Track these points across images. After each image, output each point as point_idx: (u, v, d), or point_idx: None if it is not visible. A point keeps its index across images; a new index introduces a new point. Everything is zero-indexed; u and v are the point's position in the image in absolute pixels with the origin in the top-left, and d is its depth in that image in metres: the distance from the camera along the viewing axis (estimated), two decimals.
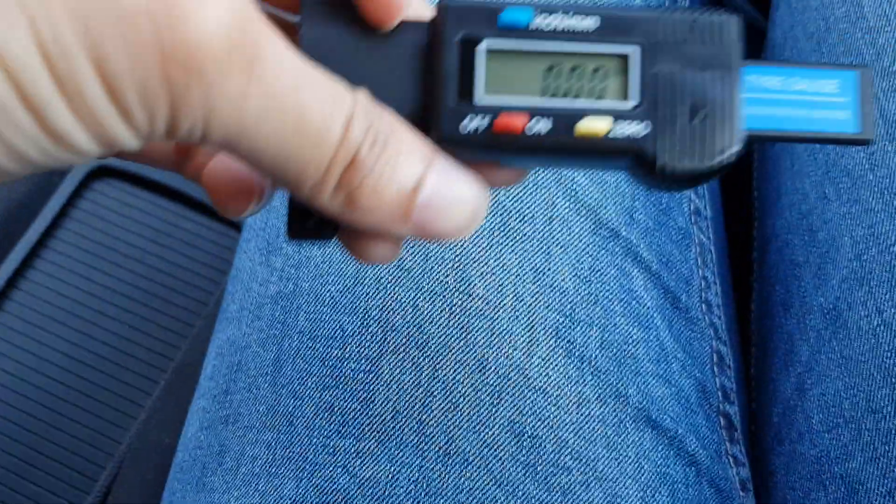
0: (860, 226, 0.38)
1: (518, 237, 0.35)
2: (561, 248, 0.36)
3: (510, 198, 0.36)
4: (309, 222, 0.23)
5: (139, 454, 0.48)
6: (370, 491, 0.32)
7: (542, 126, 0.22)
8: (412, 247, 0.35)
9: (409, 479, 0.32)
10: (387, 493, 0.31)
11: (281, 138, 0.19)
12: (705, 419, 0.37)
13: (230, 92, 0.18)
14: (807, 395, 0.38)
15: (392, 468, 0.32)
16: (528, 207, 0.36)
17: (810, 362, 0.39)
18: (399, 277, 0.34)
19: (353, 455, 0.32)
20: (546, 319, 0.35)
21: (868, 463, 0.35)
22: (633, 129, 0.22)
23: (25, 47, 0.16)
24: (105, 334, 0.56)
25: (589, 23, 0.22)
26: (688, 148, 0.22)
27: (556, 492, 0.32)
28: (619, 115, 0.22)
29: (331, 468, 0.32)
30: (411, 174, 0.21)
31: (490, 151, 0.22)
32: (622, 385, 0.35)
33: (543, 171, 0.37)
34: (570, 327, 0.35)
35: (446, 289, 0.34)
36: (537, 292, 0.35)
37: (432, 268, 0.34)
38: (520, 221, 0.36)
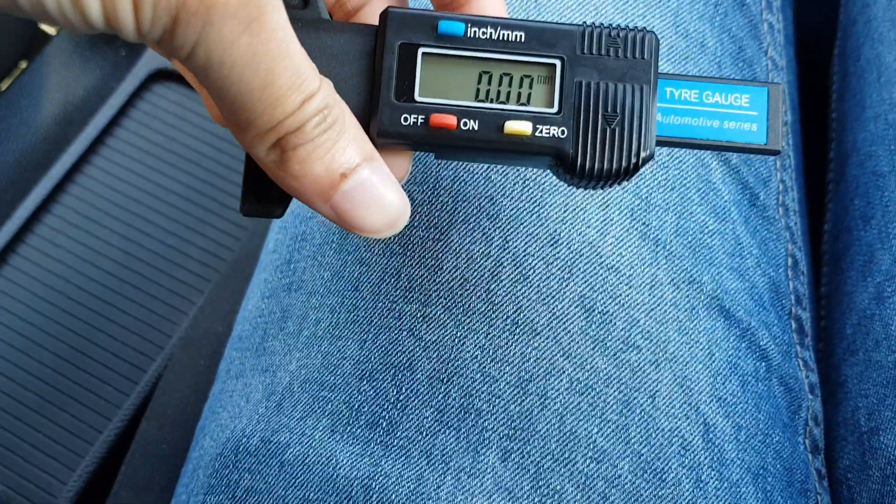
0: None
1: None
2: None
3: None
4: (261, 201, 0.25)
5: (191, 341, 0.48)
6: (435, 354, 0.31)
7: (472, 124, 0.25)
8: None
9: (476, 345, 0.31)
10: (452, 357, 0.31)
11: (248, 86, 0.21)
12: (777, 319, 0.36)
13: (225, 32, 0.20)
14: (885, 302, 0.37)
15: (459, 333, 0.31)
16: None
17: (892, 269, 0.37)
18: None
19: (420, 319, 0.32)
20: (622, 200, 0.33)
21: None
22: (555, 131, 0.25)
23: None
24: (159, 232, 0.56)
25: (517, 35, 0.25)
26: (604, 150, 0.25)
27: (625, 368, 0.31)
28: (543, 119, 0.25)
29: (396, 331, 0.32)
30: (343, 161, 0.23)
31: (427, 143, 0.25)
32: (696, 272, 0.34)
33: None
34: (645, 210, 0.34)
35: None
36: None
37: None
38: None
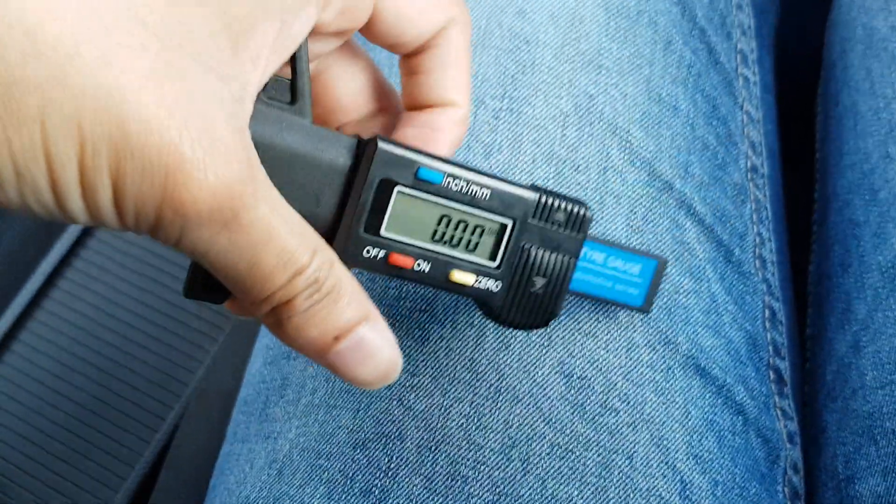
0: None
1: (572, 186, 0.36)
2: (614, 198, 0.36)
3: (565, 148, 0.36)
4: (205, 289, 0.26)
5: (205, 395, 0.51)
6: (424, 423, 0.33)
7: (424, 266, 0.27)
8: None
9: (461, 413, 0.33)
10: (439, 425, 0.33)
11: (234, 270, 0.23)
12: (755, 371, 0.37)
13: (204, 233, 0.22)
14: (862, 352, 0.38)
15: (445, 402, 0.33)
16: (583, 157, 0.36)
17: (867, 320, 0.38)
18: None
19: (408, 388, 0.34)
20: None
21: None
22: (491, 284, 0.28)
23: (70, 153, 0.20)
24: (175, 282, 0.58)
25: (484, 192, 0.27)
26: (525, 309, 0.29)
27: (604, 431, 0.33)
28: (484, 272, 0.28)
29: (386, 400, 0.34)
30: (337, 325, 0.24)
31: (383, 273, 0.27)
32: (672, 333, 0.35)
33: (599, 122, 0.37)
34: None
35: None
36: None
37: None
38: (574, 171, 0.36)
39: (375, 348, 0.25)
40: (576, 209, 0.29)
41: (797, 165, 0.51)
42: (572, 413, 0.33)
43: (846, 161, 0.43)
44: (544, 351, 0.34)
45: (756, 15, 0.45)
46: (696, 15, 0.41)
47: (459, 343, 0.34)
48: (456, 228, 0.27)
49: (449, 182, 0.27)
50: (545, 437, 0.33)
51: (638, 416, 0.33)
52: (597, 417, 0.33)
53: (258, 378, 0.39)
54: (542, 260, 0.28)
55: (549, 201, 0.28)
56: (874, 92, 0.42)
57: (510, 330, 0.34)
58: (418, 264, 0.27)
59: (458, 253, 0.27)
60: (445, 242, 0.27)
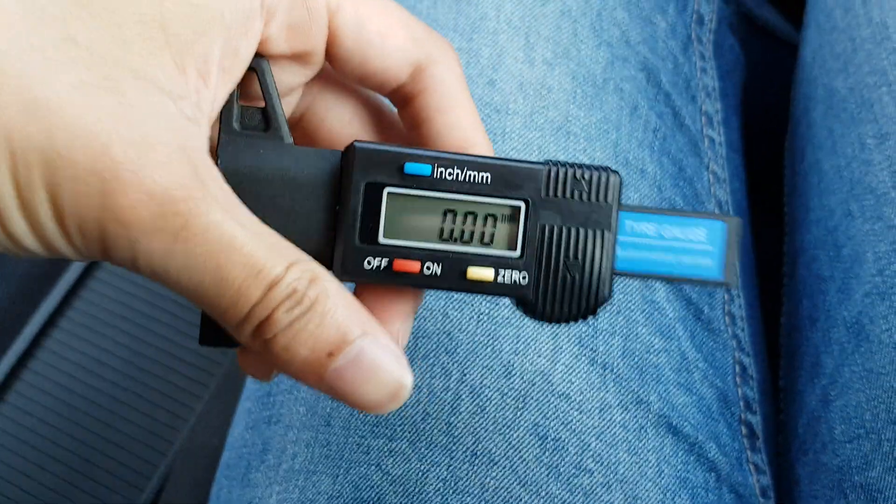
0: (883, 242, 0.39)
1: None
2: None
3: None
4: (217, 333, 0.24)
5: (189, 454, 0.51)
6: (402, 488, 0.34)
7: (436, 268, 0.25)
8: None
9: (438, 478, 0.34)
10: (417, 490, 0.33)
11: (201, 290, 0.21)
12: (727, 427, 0.38)
13: (155, 248, 0.21)
14: (830, 406, 0.39)
15: (422, 467, 0.34)
16: None
17: (834, 375, 0.39)
18: None
19: (386, 454, 0.34)
20: (570, 329, 0.36)
21: (887, 472, 0.35)
22: (517, 277, 0.25)
23: (3, 168, 0.20)
24: (159, 341, 0.59)
25: (483, 176, 0.25)
26: (563, 297, 0.25)
27: (578, 493, 0.34)
28: (505, 264, 0.25)
29: (365, 466, 0.34)
30: (328, 340, 0.22)
31: (391, 284, 0.25)
32: (644, 392, 0.36)
33: None
34: (593, 336, 0.36)
35: (475, 298, 0.36)
36: None
37: None
38: None
39: (378, 364, 0.23)
40: (598, 175, 0.25)
41: (771, 218, 0.52)
42: (547, 475, 0.34)
43: (812, 217, 0.44)
44: (519, 413, 0.35)
45: (721, 77, 0.47)
46: (660, 80, 0.43)
47: (436, 407, 0.35)
48: (465, 222, 0.25)
49: (441, 172, 0.24)
50: (521, 500, 0.33)
51: (612, 476, 0.34)
52: (571, 479, 0.34)
53: (240, 442, 0.39)
54: (569, 239, 0.25)
55: (563, 172, 0.25)
56: (836, 151, 0.43)
57: (485, 393, 0.35)
58: (427, 267, 0.25)
59: (473, 248, 0.25)
60: (456, 239, 0.25)
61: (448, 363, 0.35)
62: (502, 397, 0.35)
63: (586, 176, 0.25)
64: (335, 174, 0.25)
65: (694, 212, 0.28)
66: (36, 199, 0.20)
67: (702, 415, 0.37)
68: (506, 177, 0.25)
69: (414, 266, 0.25)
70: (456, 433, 0.34)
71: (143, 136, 0.21)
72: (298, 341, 0.22)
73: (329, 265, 0.24)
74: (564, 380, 0.35)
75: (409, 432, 0.35)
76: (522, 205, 0.25)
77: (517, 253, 0.25)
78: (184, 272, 0.21)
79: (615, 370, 0.36)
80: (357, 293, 0.26)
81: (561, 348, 0.36)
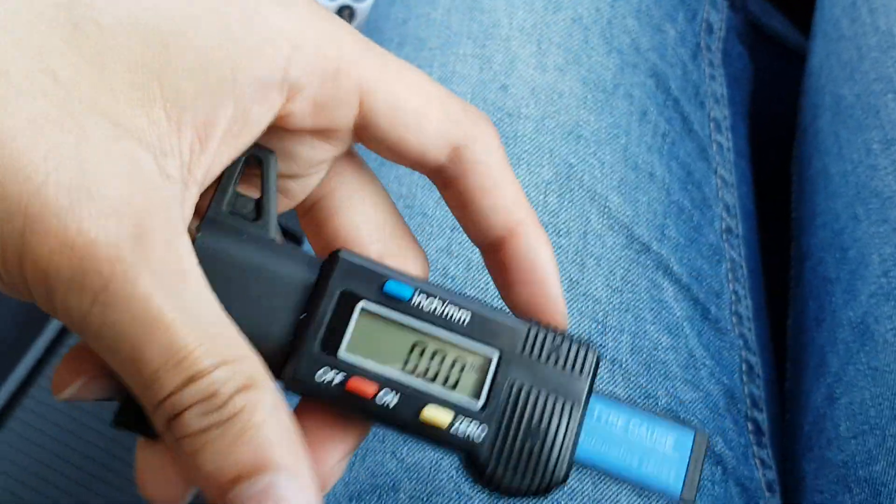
0: (888, 244, 0.40)
1: (555, 249, 0.38)
2: (595, 260, 0.39)
3: (547, 213, 0.39)
4: (138, 418, 0.22)
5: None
6: (416, 475, 0.35)
7: (390, 399, 0.22)
8: (455, 256, 0.38)
9: (451, 466, 0.35)
10: (430, 478, 0.35)
11: (117, 362, 0.20)
12: (733, 423, 0.39)
13: (72, 304, 0.19)
14: (836, 403, 0.40)
15: (435, 455, 0.35)
16: (564, 222, 0.39)
17: (840, 373, 0.40)
18: (444, 283, 0.38)
19: (401, 442, 0.35)
20: (580, 326, 0.37)
21: (891, 466, 0.36)
22: (473, 430, 0.23)
23: None
24: None
25: (462, 315, 0.23)
26: (518, 466, 0.23)
27: (587, 481, 0.35)
28: (464, 412, 0.23)
29: (381, 454, 0.36)
30: (237, 462, 0.19)
31: (339, 406, 0.23)
32: (651, 387, 0.37)
33: (579, 189, 0.40)
34: (602, 333, 0.37)
35: (488, 295, 0.37)
36: (572, 300, 0.38)
37: (474, 276, 0.38)
38: (556, 235, 0.39)
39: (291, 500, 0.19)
40: (577, 347, 0.24)
41: (777, 224, 0.53)
42: None
43: (818, 221, 0.45)
44: None
45: (729, 84, 0.48)
46: (670, 87, 0.44)
47: None
48: (431, 359, 0.23)
49: (420, 300, 0.23)
50: None
51: None
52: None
53: None
54: (536, 402, 0.23)
55: (542, 335, 0.24)
56: (842, 156, 0.44)
57: None
58: (384, 394, 0.22)
59: (436, 388, 0.23)
60: (420, 375, 0.23)
61: None
62: None
63: (564, 345, 0.24)
64: (313, 277, 0.23)
65: (666, 414, 0.26)
66: None
67: (709, 411, 0.38)
68: (485, 322, 0.23)
69: (369, 389, 0.22)
70: None
71: (87, 184, 0.19)
72: (206, 452, 0.19)
73: (281, 370, 0.22)
74: None
75: None
76: (496, 354, 0.23)
77: (480, 403, 0.23)
78: (101, 338, 0.19)
79: (624, 366, 0.37)
80: (299, 415, 0.23)
81: None
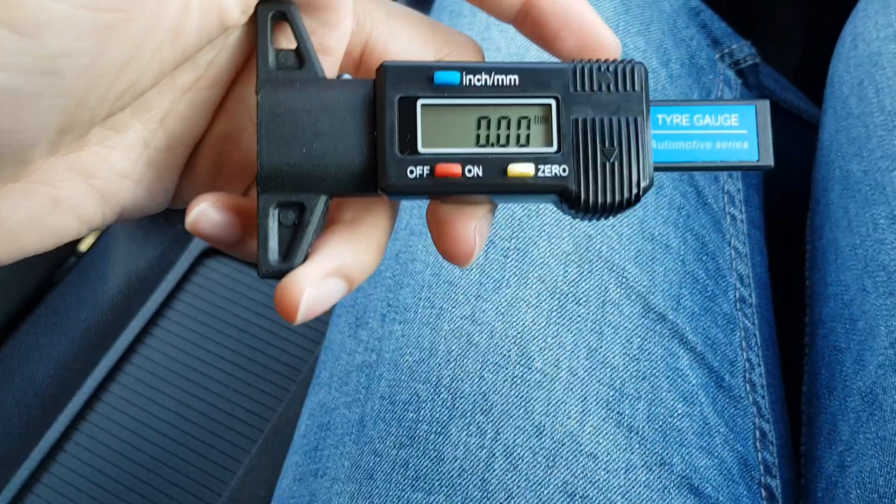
0: (895, 317, 0.41)
1: (574, 318, 0.40)
2: (612, 329, 0.40)
3: (567, 282, 0.41)
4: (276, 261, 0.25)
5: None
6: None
7: (477, 170, 0.25)
8: (479, 324, 0.40)
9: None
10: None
11: None
12: (746, 490, 0.40)
13: None
14: (846, 471, 0.41)
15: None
16: (583, 292, 0.41)
17: (850, 441, 0.41)
18: (467, 350, 0.40)
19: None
20: (598, 393, 0.39)
21: None
22: (557, 170, 0.25)
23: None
24: (210, 396, 0.62)
25: (511, 79, 0.25)
26: (605, 184, 0.25)
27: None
28: (544, 160, 0.25)
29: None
30: None
31: (439, 192, 0.26)
32: (667, 454, 0.38)
33: (597, 260, 0.42)
34: (619, 400, 0.39)
35: (509, 362, 0.39)
36: (590, 368, 0.39)
37: (497, 343, 0.39)
38: (575, 304, 0.40)
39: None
40: (622, 66, 0.26)
41: (794, 286, 0.55)
42: None
43: (829, 291, 0.47)
44: (549, 472, 0.37)
45: None
46: None
47: (471, 464, 0.38)
48: (499, 127, 0.25)
49: (470, 80, 0.25)
50: None
51: None
52: None
53: (287, 493, 0.42)
54: (603, 127, 0.25)
55: (587, 68, 0.26)
56: (851, 229, 0.46)
57: (517, 451, 0.38)
58: (469, 170, 0.25)
59: (511, 149, 0.25)
60: (493, 143, 0.25)
61: (483, 422, 0.38)
62: (534, 456, 0.37)
63: (611, 69, 0.26)
64: (368, 95, 0.25)
65: (721, 99, 0.28)
66: None
67: (723, 477, 0.40)
68: (533, 77, 0.25)
69: (455, 169, 0.25)
70: (490, 489, 0.37)
71: None
72: None
73: (374, 182, 0.25)
74: (592, 441, 0.38)
75: (447, 487, 0.37)
76: (553, 102, 0.25)
77: (554, 148, 0.25)
78: None
79: (640, 433, 0.38)
80: (433, 210, 0.26)
81: (589, 411, 0.38)
